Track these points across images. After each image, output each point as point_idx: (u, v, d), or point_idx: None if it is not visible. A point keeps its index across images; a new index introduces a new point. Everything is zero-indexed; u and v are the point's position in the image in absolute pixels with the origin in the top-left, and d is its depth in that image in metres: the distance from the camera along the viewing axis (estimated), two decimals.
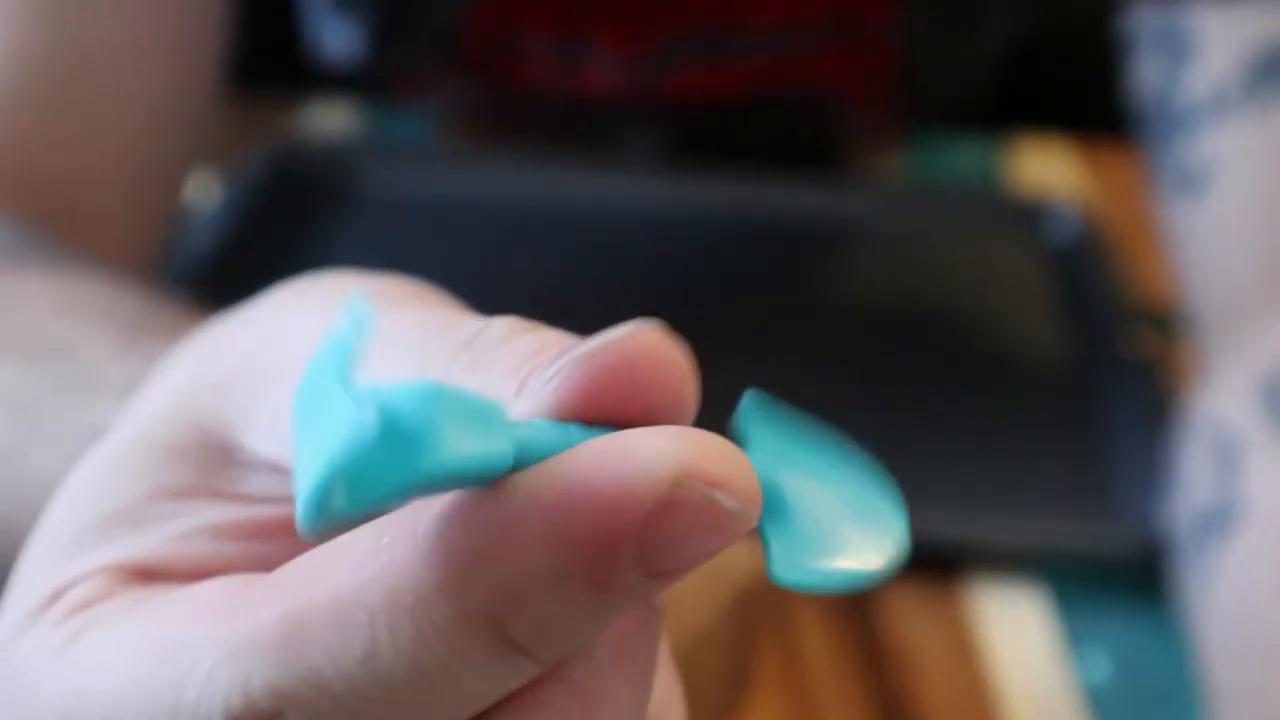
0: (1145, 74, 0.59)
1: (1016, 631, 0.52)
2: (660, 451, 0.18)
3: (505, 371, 0.20)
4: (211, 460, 0.23)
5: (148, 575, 0.21)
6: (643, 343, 0.19)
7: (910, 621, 0.53)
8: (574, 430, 0.19)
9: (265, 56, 0.67)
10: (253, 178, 0.70)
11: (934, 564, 0.54)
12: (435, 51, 0.71)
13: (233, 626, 0.19)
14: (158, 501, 0.22)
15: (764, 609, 0.44)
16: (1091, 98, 0.70)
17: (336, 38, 0.72)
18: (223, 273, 0.63)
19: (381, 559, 0.19)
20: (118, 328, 0.39)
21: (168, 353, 0.25)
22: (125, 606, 0.21)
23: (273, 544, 0.22)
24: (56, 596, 0.21)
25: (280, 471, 0.22)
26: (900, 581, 0.54)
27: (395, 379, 0.19)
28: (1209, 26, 0.55)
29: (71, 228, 0.51)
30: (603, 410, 0.19)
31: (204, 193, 0.68)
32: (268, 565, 0.21)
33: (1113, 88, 0.62)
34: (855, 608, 0.53)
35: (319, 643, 0.19)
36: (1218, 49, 0.55)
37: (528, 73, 0.71)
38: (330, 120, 0.78)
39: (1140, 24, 0.59)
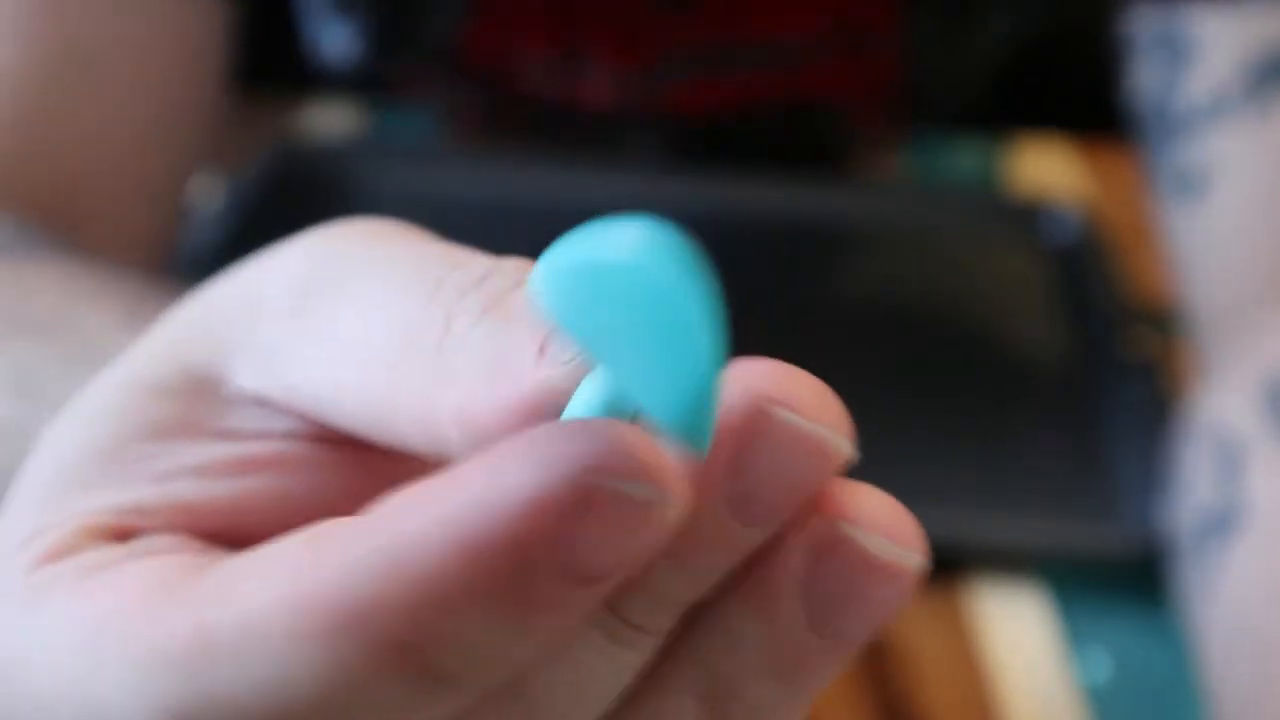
0: (1145, 77, 0.59)
1: (1016, 631, 0.52)
2: (564, 449, 0.17)
3: (525, 327, 0.19)
4: (195, 397, 0.22)
5: (122, 531, 0.21)
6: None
7: (910, 621, 0.53)
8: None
9: (266, 56, 0.67)
10: (253, 178, 0.70)
11: (934, 564, 0.54)
12: (434, 60, 0.71)
13: (147, 635, 0.19)
14: (140, 442, 0.22)
15: None
16: (1091, 98, 0.70)
17: (336, 42, 0.72)
18: (224, 272, 0.63)
19: (286, 577, 0.18)
20: (118, 304, 0.39)
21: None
22: (81, 572, 0.20)
23: (255, 479, 0.22)
24: (32, 539, 0.21)
25: (263, 405, 0.22)
26: None
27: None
28: (1208, 30, 0.55)
29: (75, 228, 0.51)
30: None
31: (205, 193, 0.68)
32: (249, 502, 0.21)
33: (1113, 88, 0.62)
34: None
35: (227, 663, 0.18)
36: (1217, 52, 0.55)
37: (526, 84, 0.71)
38: (330, 120, 0.78)
39: (1140, 27, 0.59)
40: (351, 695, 0.17)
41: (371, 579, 0.17)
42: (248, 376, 0.22)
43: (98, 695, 0.19)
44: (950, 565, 0.54)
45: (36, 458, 0.22)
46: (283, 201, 0.69)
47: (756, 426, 0.18)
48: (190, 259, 0.64)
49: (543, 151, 0.75)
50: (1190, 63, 0.56)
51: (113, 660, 0.19)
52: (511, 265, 0.21)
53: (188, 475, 0.21)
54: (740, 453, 0.18)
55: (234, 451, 0.22)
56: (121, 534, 0.21)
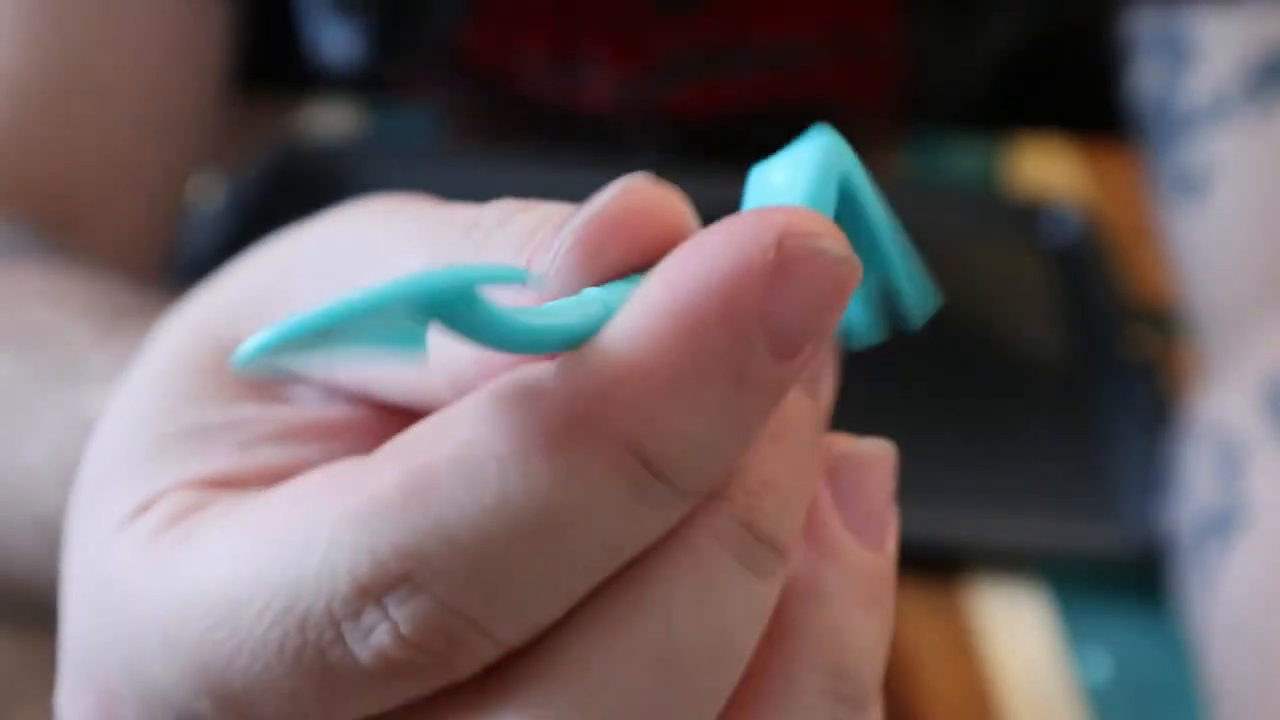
0: (1145, 77, 0.59)
1: (1016, 631, 0.52)
2: (758, 222, 0.18)
3: (510, 254, 0.20)
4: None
5: (227, 485, 0.21)
6: (636, 195, 0.19)
7: (910, 621, 0.53)
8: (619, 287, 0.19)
9: (266, 56, 0.67)
10: (253, 178, 0.70)
11: (934, 564, 0.54)
12: (434, 61, 0.71)
13: (351, 496, 0.18)
14: (208, 412, 0.22)
15: None
16: (1091, 98, 0.70)
17: (336, 43, 0.72)
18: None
19: (507, 406, 0.18)
20: (100, 315, 0.39)
21: (150, 335, 0.25)
22: (225, 509, 0.20)
23: (339, 443, 0.22)
24: (143, 510, 0.21)
25: (305, 383, 0.22)
26: (900, 581, 0.54)
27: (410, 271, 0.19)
28: (1209, 30, 0.55)
29: (73, 228, 0.51)
30: (613, 271, 0.19)
31: (205, 193, 0.68)
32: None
33: (1113, 88, 0.62)
34: None
35: (445, 496, 0.18)
36: (1218, 53, 0.55)
37: (526, 85, 0.71)
38: (330, 120, 0.78)
39: (1140, 28, 0.59)
40: (574, 504, 0.18)
41: (593, 379, 0.18)
42: None
43: (308, 571, 0.18)
44: (950, 565, 0.54)
45: (98, 448, 0.22)
46: (283, 201, 0.69)
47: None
48: (190, 259, 0.64)
49: (543, 152, 0.75)
50: (1191, 63, 0.56)
51: (322, 528, 0.18)
52: (491, 210, 0.21)
53: (270, 441, 0.21)
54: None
55: (307, 416, 0.22)
56: (231, 488, 0.21)
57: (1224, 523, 0.48)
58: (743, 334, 0.17)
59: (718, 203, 0.75)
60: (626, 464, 0.18)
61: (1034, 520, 0.56)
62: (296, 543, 0.19)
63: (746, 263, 0.17)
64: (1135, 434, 0.58)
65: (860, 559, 0.22)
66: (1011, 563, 0.55)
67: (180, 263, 0.63)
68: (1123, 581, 0.54)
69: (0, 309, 0.41)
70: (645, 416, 0.17)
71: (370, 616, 0.18)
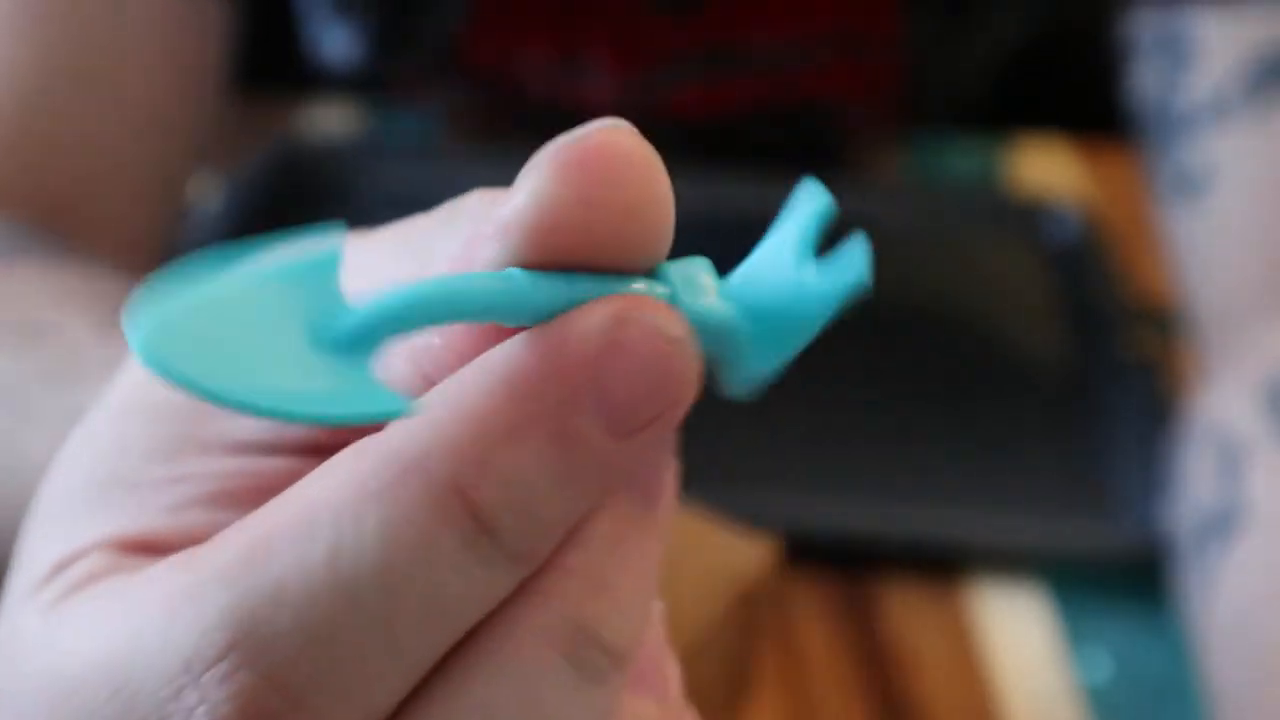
0: (1145, 78, 0.59)
1: (1016, 631, 0.52)
2: (602, 304, 0.18)
3: (475, 217, 0.20)
4: (197, 410, 0.22)
5: (147, 548, 0.21)
6: (609, 134, 0.19)
7: (910, 621, 0.53)
8: (552, 280, 0.19)
9: (266, 56, 0.67)
10: (253, 178, 0.70)
11: (934, 564, 0.54)
12: (434, 61, 0.71)
13: (194, 571, 0.18)
14: (150, 465, 0.22)
15: (764, 609, 0.44)
16: (1091, 98, 0.70)
17: (336, 44, 0.72)
18: None
19: (353, 458, 0.18)
20: (100, 312, 0.39)
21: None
22: (117, 584, 0.20)
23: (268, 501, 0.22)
24: (57, 571, 0.21)
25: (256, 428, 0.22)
26: (900, 581, 0.54)
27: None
28: (1209, 31, 0.55)
29: (75, 228, 0.51)
30: (583, 203, 0.19)
31: (205, 193, 0.68)
32: None
33: (1113, 88, 0.62)
34: (855, 608, 0.53)
35: (278, 558, 0.18)
36: (1217, 53, 0.55)
37: (526, 85, 0.71)
38: (330, 120, 0.78)
39: (1140, 28, 0.59)
40: (405, 556, 0.18)
41: (425, 429, 0.18)
42: None
43: (151, 658, 0.18)
44: (950, 565, 0.54)
45: (46, 489, 0.22)
46: (283, 201, 0.69)
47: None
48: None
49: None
50: (1191, 63, 0.56)
51: (161, 608, 0.18)
52: (464, 198, 0.21)
53: (200, 506, 0.21)
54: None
55: (242, 473, 0.22)
56: (149, 550, 0.21)
57: (1223, 523, 0.48)
58: (569, 394, 0.18)
59: (718, 202, 0.74)
60: (454, 510, 0.18)
61: (1034, 520, 0.56)
62: (139, 624, 0.19)
63: (583, 330, 0.18)
64: (1135, 434, 0.58)
65: (647, 710, 0.22)
66: (1011, 563, 0.55)
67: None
68: (1123, 582, 0.54)
69: (1, 307, 0.41)
70: (473, 460, 0.18)
71: (189, 698, 0.18)
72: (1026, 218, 0.72)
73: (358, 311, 0.18)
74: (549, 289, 0.19)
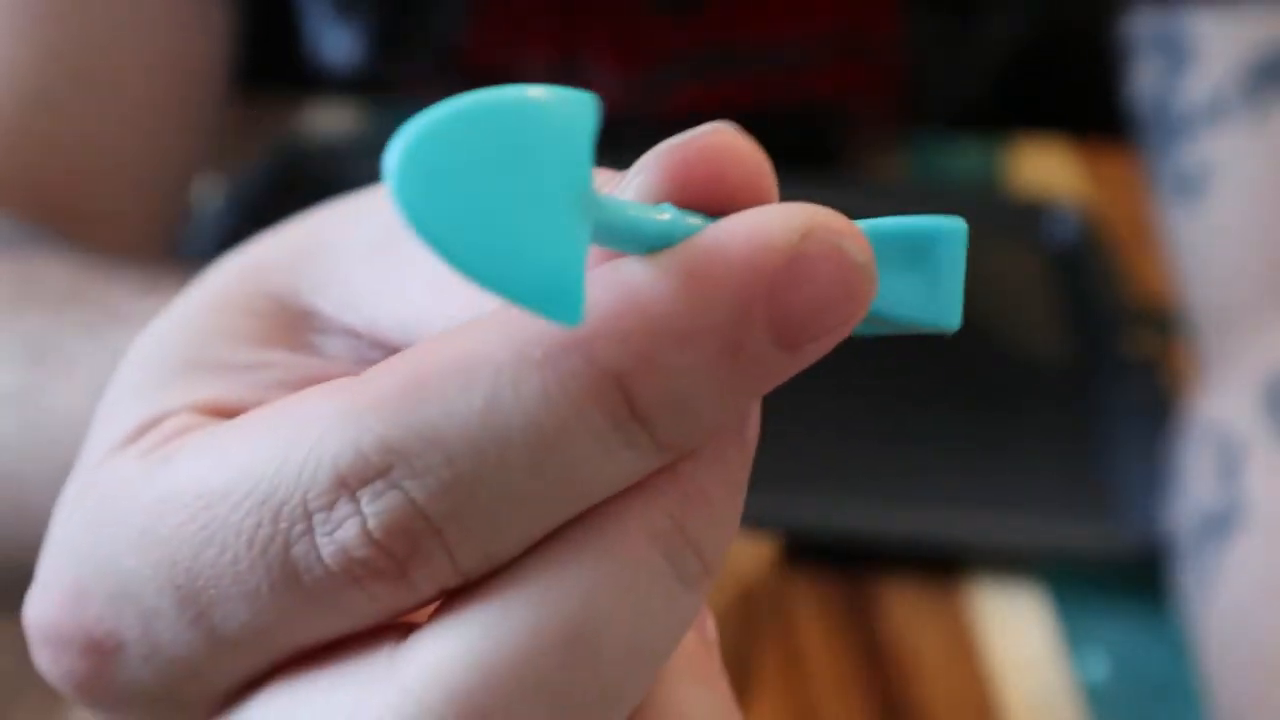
0: (1144, 78, 0.59)
1: (1016, 631, 0.52)
2: (789, 212, 0.18)
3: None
4: (288, 322, 0.22)
5: (237, 415, 0.21)
6: (720, 137, 0.19)
7: (910, 621, 0.53)
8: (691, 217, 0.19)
9: (266, 57, 0.67)
10: (253, 178, 0.70)
11: (934, 564, 0.54)
12: (435, 63, 0.71)
13: (350, 395, 0.19)
14: (238, 349, 0.22)
15: (764, 609, 0.44)
16: (1091, 99, 0.70)
17: (337, 46, 0.72)
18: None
19: (512, 320, 0.19)
20: (134, 281, 0.39)
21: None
22: (230, 423, 0.20)
23: None
24: (145, 429, 0.21)
25: (354, 336, 0.22)
26: (900, 581, 0.54)
27: None
28: (1207, 31, 0.56)
29: (78, 228, 0.51)
30: (687, 202, 0.19)
31: (206, 193, 0.68)
32: None
33: (1112, 89, 0.63)
34: (855, 608, 0.53)
35: (438, 396, 0.18)
36: (1216, 54, 0.55)
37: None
38: (330, 120, 0.78)
39: (1139, 29, 0.59)
40: (557, 422, 0.18)
41: (598, 308, 0.18)
42: (334, 309, 0.22)
43: (292, 462, 0.19)
44: (950, 565, 0.54)
45: (128, 363, 0.22)
46: (283, 201, 0.69)
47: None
48: (192, 258, 0.64)
49: None
50: (1189, 64, 0.56)
51: (314, 424, 0.19)
52: None
53: (289, 388, 0.21)
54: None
55: (326, 367, 0.22)
56: (224, 413, 0.21)
57: (1222, 523, 0.48)
58: (746, 308, 0.18)
59: None
60: (612, 395, 0.18)
61: (1034, 520, 0.56)
62: (288, 437, 0.19)
63: (766, 241, 0.18)
64: (1135, 434, 0.58)
65: (689, 639, 0.22)
66: (1011, 563, 0.55)
67: (182, 262, 0.63)
68: (1122, 581, 0.54)
69: (28, 280, 0.41)
70: (639, 354, 0.18)
71: (342, 509, 0.19)
72: (1026, 218, 0.72)
73: (622, 212, 0.18)
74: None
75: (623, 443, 0.18)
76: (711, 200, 0.19)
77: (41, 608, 0.21)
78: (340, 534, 0.19)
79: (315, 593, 0.19)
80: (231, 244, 0.23)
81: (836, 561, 0.54)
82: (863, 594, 0.54)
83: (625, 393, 0.18)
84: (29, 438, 0.35)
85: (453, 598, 0.19)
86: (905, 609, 0.53)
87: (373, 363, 0.20)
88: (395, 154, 0.17)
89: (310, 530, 0.19)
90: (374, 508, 0.18)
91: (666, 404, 0.18)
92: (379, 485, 0.18)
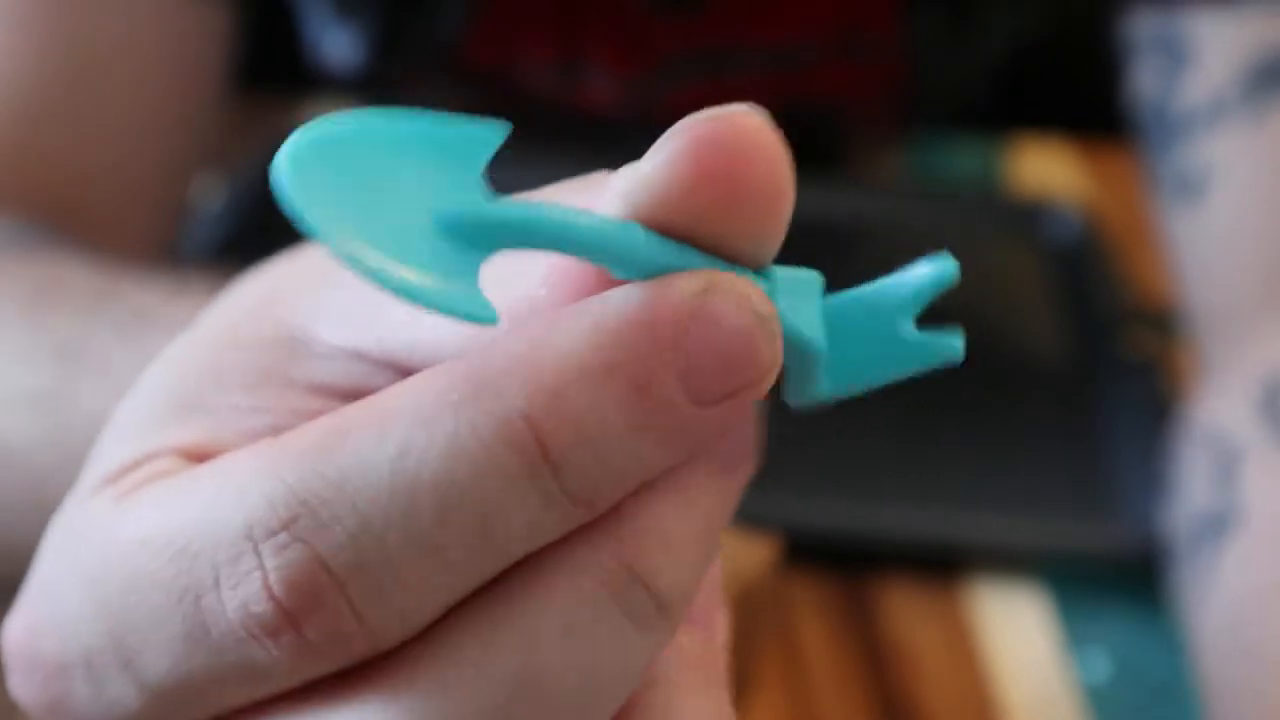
0: (1144, 79, 0.59)
1: (1016, 631, 0.52)
2: (699, 272, 0.19)
3: (604, 184, 0.21)
4: (288, 350, 0.22)
5: (206, 455, 0.21)
6: (743, 118, 0.19)
7: (910, 621, 0.53)
8: (673, 249, 0.19)
9: (266, 57, 0.67)
10: (254, 178, 0.70)
11: (934, 564, 0.54)
12: (436, 64, 0.71)
13: (278, 448, 0.19)
14: (232, 392, 0.22)
15: (764, 609, 0.44)
16: (1091, 99, 0.70)
17: (337, 47, 0.72)
18: (226, 272, 0.63)
19: (441, 369, 0.19)
20: (164, 284, 0.39)
21: (215, 297, 0.25)
22: (190, 471, 0.21)
23: None
24: (127, 470, 0.21)
25: (354, 358, 0.22)
26: (900, 581, 0.54)
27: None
28: (1207, 33, 0.56)
29: (79, 228, 0.51)
30: (706, 177, 0.19)
31: (205, 193, 0.68)
32: None
33: (1112, 89, 0.63)
34: (855, 608, 0.53)
35: (353, 445, 0.18)
36: (1215, 55, 0.55)
37: (528, 87, 0.72)
38: None
39: (1139, 30, 0.59)
40: (469, 469, 0.18)
41: (507, 355, 0.18)
42: (339, 333, 0.22)
43: (219, 521, 0.19)
44: (950, 565, 0.54)
45: (127, 403, 0.23)
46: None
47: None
48: (192, 258, 0.64)
49: (543, 152, 0.75)
50: (1189, 65, 0.56)
51: (236, 481, 0.19)
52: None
53: (273, 435, 0.21)
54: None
55: (324, 409, 0.22)
56: (204, 457, 0.21)
57: (1218, 525, 0.48)
58: (653, 348, 0.18)
59: None
60: (522, 437, 0.18)
61: (1034, 520, 0.56)
62: (217, 488, 0.19)
63: (674, 289, 0.18)
64: (1135, 434, 0.58)
65: (692, 645, 0.22)
66: (1011, 563, 0.55)
67: (182, 262, 0.63)
68: (1122, 582, 0.54)
69: (53, 281, 0.41)
70: (548, 392, 0.18)
71: (246, 562, 0.19)
72: (1026, 218, 0.72)
73: (488, 207, 0.18)
74: (660, 248, 0.19)
75: (534, 490, 0.18)
76: (728, 180, 0.19)
77: (13, 632, 0.22)
78: (243, 588, 0.19)
79: (224, 647, 0.19)
80: (231, 244, 0.24)
81: (836, 561, 0.54)
82: (863, 594, 0.54)
83: (536, 434, 0.18)
84: (60, 439, 0.35)
85: (383, 661, 0.19)
86: (905, 609, 0.53)
87: (378, 388, 0.21)
88: (282, 155, 0.18)
89: (217, 584, 0.19)
90: (275, 561, 0.18)
91: (577, 447, 0.18)
92: (283, 538, 0.18)
